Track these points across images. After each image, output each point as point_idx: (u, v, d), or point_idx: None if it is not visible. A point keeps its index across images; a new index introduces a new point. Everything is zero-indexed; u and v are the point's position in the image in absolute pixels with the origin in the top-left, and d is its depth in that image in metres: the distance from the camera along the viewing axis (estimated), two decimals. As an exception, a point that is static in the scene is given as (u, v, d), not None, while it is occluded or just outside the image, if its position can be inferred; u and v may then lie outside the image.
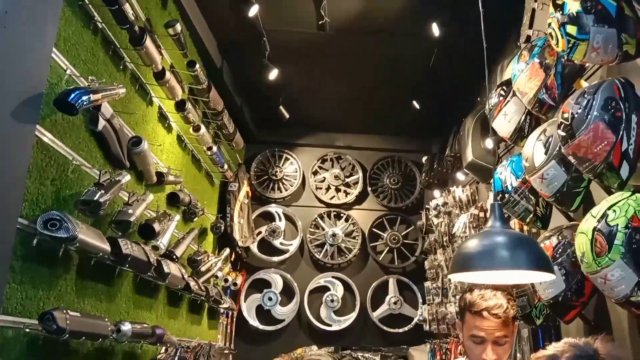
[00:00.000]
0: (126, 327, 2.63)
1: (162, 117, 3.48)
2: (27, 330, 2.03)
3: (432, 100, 4.81)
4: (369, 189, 5.84)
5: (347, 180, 5.86)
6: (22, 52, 1.98)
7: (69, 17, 2.32)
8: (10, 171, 1.93)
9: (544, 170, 2.32)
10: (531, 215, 2.65)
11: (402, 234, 5.74)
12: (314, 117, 5.53)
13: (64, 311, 2.08)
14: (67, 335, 2.06)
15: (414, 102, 4.68)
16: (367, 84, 4.80)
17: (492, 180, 3.34)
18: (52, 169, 2.22)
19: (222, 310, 5.06)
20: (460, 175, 4.50)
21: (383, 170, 5.92)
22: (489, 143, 3.71)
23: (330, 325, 5.41)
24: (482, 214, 3.93)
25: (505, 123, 2.92)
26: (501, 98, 3.04)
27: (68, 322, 2.05)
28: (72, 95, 2.13)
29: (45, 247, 2.14)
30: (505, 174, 2.86)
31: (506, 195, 2.71)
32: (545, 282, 2.23)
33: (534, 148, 2.40)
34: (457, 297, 3.49)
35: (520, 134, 2.83)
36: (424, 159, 5.34)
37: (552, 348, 1.22)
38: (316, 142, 5.92)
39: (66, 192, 2.32)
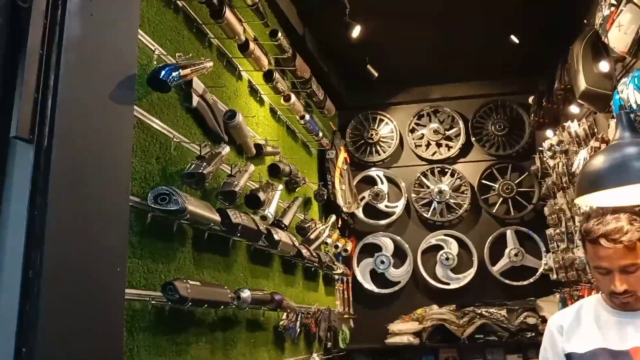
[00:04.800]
0: (245, 293, 2.71)
1: (253, 91, 3.51)
2: (153, 302, 2.14)
3: (532, 32, 4.41)
4: (473, 139, 5.54)
5: (448, 133, 5.60)
6: (111, 36, 2.04)
7: (149, -1, 2.37)
8: (116, 152, 2.01)
9: (676, 75, 2.02)
10: (664, 133, 2.33)
11: (516, 182, 5.40)
12: (405, 72, 5.32)
13: (184, 280, 2.17)
14: (190, 304, 2.15)
15: (512, 37, 4.31)
16: (456, 25, 4.51)
17: (611, 105, 3.01)
18: (155, 147, 2.31)
19: (336, 277, 5.10)
20: (574, 109, 4.10)
21: (486, 118, 5.57)
22: (604, 65, 3.32)
23: (448, 284, 5.25)
24: (604, 146, 3.55)
25: (621, 35, 2.59)
26: (613, 9, 2.70)
27: (189, 290, 2.13)
28: (163, 72, 2.18)
29: (159, 222, 2.23)
30: (626, 92, 2.54)
31: (631, 116, 2.41)
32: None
33: (661, 53, 2.10)
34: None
35: (640, 45, 2.50)
36: (531, 98, 4.94)
37: None
38: (410, 98, 5.70)
39: (171, 169, 2.40)
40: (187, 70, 2.32)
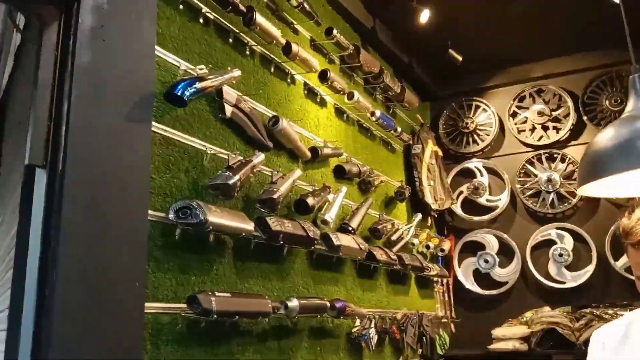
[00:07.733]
0: (293, 303, 2.64)
1: (312, 93, 3.43)
2: (184, 314, 2.16)
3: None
4: (585, 118, 4.87)
5: (555, 114, 4.99)
6: (124, 59, 2.09)
7: (171, 17, 2.41)
8: (133, 171, 2.06)
9: None
10: None
11: (640, 163, 4.64)
12: (497, 51, 4.85)
13: (210, 293, 2.16)
14: (215, 316, 2.13)
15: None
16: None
17: None
18: (183, 161, 2.34)
19: (435, 279, 4.82)
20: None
21: (599, 92, 4.87)
22: None
23: (563, 283, 4.67)
24: None
25: None
26: None
27: (214, 303, 2.12)
28: (178, 88, 2.20)
29: (192, 236, 2.26)
30: None
31: None
32: None
33: None
34: None
35: None
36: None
37: None
38: (507, 79, 5.19)
39: (205, 181, 2.41)
40: (207, 83, 2.31)
